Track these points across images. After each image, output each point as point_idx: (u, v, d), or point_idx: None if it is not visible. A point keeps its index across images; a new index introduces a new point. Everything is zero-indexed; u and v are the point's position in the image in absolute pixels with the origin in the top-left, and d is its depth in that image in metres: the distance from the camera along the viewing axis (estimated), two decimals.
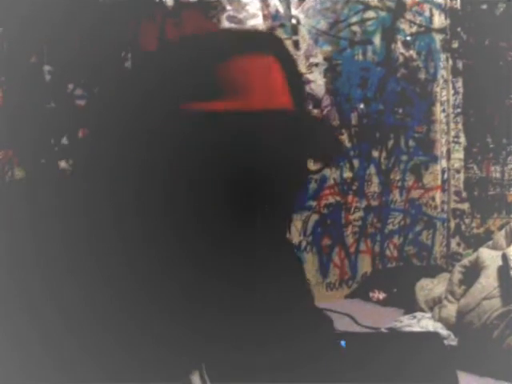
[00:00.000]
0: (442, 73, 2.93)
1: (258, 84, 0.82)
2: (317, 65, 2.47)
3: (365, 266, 2.66)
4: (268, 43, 0.89)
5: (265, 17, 2.32)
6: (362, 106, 2.63)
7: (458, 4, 2.95)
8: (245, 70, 0.82)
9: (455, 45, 2.95)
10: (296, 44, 2.41)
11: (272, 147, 0.81)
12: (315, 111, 2.46)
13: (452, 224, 2.97)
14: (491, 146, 3.07)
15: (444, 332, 1.67)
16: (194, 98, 0.79)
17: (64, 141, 1.89)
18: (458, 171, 2.97)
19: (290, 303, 0.94)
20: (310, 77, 2.45)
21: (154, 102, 0.81)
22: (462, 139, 2.99)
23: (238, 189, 0.81)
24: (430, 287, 2.08)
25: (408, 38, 2.79)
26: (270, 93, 0.83)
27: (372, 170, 2.68)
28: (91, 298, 0.77)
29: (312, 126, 0.86)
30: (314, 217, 2.49)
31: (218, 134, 0.78)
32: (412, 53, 2.81)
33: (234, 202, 0.82)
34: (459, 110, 2.97)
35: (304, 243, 2.46)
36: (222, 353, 0.82)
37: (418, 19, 2.84)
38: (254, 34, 0.96)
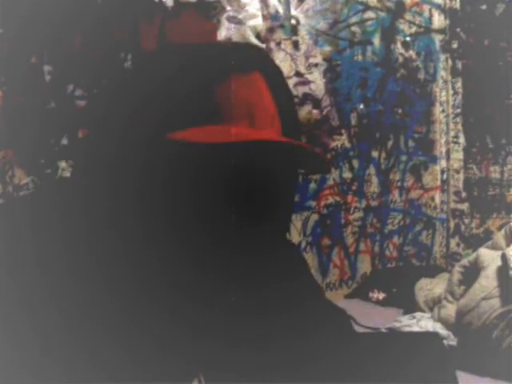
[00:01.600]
0: (442, 73, 2.93)
1: (242, 111, 0.79)
2: (316, 65, 2.48)
3: (364, 266, 2.66)
4: (255, 60, 0.85)
5: (264, 17, 2.32)
6: (361, 106, 2.64)
7: (457, 4, 2.96)
8: (229, 95, 0.79)
9: (455, 45, 2.95)
10: (296, 44, 2.42)
11: (256, 176, 0.80)
12: (315, 112, 2.46)
13: (451, 224, 2.98)
14: (490, 146, 3.07)
15: (443, 332, 1.67)
16: (178, 126, 0.77)
17: (64, 141, 1.89)
18: (457, 171, 2.98)
19: (301, 299, 0.94)
20: (309, 77, 2.45)
21: (138, 128, 0.80)
22: (462, 139, 2.99)
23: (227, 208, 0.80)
24: (429, 287, 2.08)
25: (407, 39, 2.80)
26: (254, 121, 0.80)
27: (371, 170, 2.69)
28: (91, 299, 0.77)
29: (299, 153, 0.84)
30: (314, 217, 2.49)
31: (198, 164, 0.77)
32: (411, 53, 2.81)
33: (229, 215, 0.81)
34: (459, 111, 2.97)
35: (304, 243, 2.46)
36: (228, 354, 0.82)
37: (418, 20, 2.84)
38: (240, 50, 0.92)
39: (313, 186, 2.48)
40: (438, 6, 2.91)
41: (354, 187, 2.62)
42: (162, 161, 0.78)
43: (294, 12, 2.41)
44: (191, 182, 0.79)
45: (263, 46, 2.28)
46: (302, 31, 2.44)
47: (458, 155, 2.98)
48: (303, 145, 0.85)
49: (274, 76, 0.86)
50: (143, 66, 0.89)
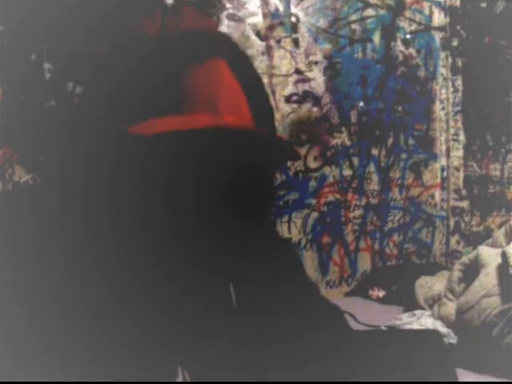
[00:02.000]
0: (442, 71, 2.93)
1: (204, 99, 0.78)
2: (316, 63, 2.47)
3: (364, 263, 2.66)
4: (218, 47, 0.84)
5: (264, 15, 2.32)
6: (361, 103, 2.63)
7: (457, 2, 2.95)
8: (189, 84, 0.78)
9: (455, 43, 2.95)
10: (296, 42, 2.41)
11: (229, 160, 0.79)
12: (315, 109, 2.46)
13: (451, 222, 2.98)
14: (491, 143, 3.07)
15: (443, 330, 1.67)
16: (142, 117, 0.76)
17: (63, 139, 1.89)
18: (457, 169, 2.97)
19: (298, 297, 0.94)
20: (309, 75, 2.45)
21: (102, 122, 0.79)
22: (462, 137, 2.99)
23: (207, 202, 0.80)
24: (429, 285, 2.08)
25: (408, 36, 2.79)
26: (217, 109, 0.79)
27: (372, 167, 2.69)
28: (91, 298, 0.77)
29: (267, 140, 0.83)
30: (314, 215, 2.49)
31: (165, 154, 0.76)
32: (411, 51, 2.81)
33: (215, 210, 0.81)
34: (459, 108, 2.97)
35: (304, 241, 2.46)
36: (228, 353, 0.82)
37: (418, 17, 2.84)
38: (201, 38, 0.90)
39: (313, 183, 2.47)
40: (438, 4, 2.91)
41: (354, 185, 2.62)
42: (126, 155, 0.78)
43: (294, 10, 2.41)
44: (159, 173, 0.78)
45: (262, 45, 2.28)
46: (302, 29, 2.43)
47: (458, 153, 2.98)
48: (266, 133, 0.84)
49: (240, 62, 0.85)
50: (113, 59, 0.89)
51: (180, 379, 0.81)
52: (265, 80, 2.23)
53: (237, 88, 0.82)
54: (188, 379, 0.80)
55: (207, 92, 0.80)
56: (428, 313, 1.88)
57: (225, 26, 2.20)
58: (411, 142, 2.83)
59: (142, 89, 0.80)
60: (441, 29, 2.92)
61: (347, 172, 2.60)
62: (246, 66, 0.87)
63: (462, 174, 2.99)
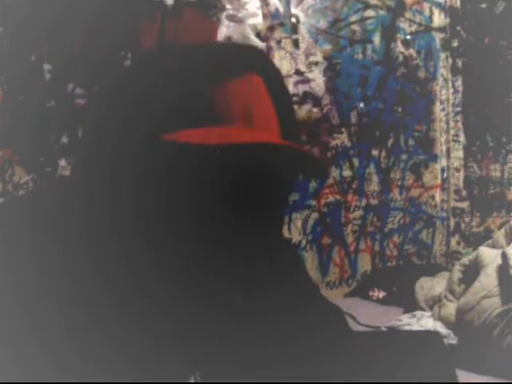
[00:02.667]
0: (442, 71, 2.93)
1: (240, 113, 0.78)
2: (316, 63, 2.48)
3: (364, 264, 2.66)
4: (253, 61, 0.84)
5: (264, 15, 2.32)
6: (361, 104, 2.64)
7: (457, 3, 2.95)
8: (226, 97, 0.78)
9: (455, 43, 2.95)
10: (296, 43, 2.42)
11: (256, 178, 0.79)
12: (315, 110, 2.46)
13: (452, 223, 2.98)
14: (491, 144, 3.07)
15: (444, 331, 1.67)
16: (175, 127, 0.76)
17: (64, 140, 1.89)
18: (457, 170, 2.98)
19: (298, 298, 0.94)
20: (309, 75, 2.45)
21: (134, 129, 0.79)
22: (462, 138, 2.99)
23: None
24: (429, 286, 2.08)
25: (408, 37, 2.79)
26: (252, 123, 0.79)
27: (372, 168, 2.69)
28: (91, 298, 0.77)
29: (299, 157, 0.83)
30: (314, 215, 2.49)
31: (194, 165, 0.76)
32: (412, 51, 2.81)
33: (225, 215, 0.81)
34: (459, 109, 2.97)
35: (304, 242, 2.46)
36: (227, 353, 0.82)
37: (418, 18, 2.84)
38: (237, 50, 0.91)
39: (313, 184, 2.47)
40: (439, 5, 2.91)
41: (354, 186, 2.62)
42: (158, 162, 0.78)
43: (294, 10, 2.41)
44: (188, 183, 0.78)
45: (262, 46, 2.28)
46: (303, 29, 2.43)
47: (458, 154, 2.98)
48: (303, 149, 0.84)
49: (273, 77, 0.86)
50: (140, 67, 0.89)
51: (192, 380, 0.81)
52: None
53: (270, 105, 0.82)
54: (199, 380, 0.80)
55: (242, 105, 0.80)
56: (428, 314, 1.88)
57: (225, 27, 2.20)
58: (411, 142, 2.83)
59: (175, 98, 0.79)
60: (441, 30, 2.92)
61: (347, 173, 2.60)
62: (279, 83, 0.88)
63: (462, 175, 2.99)
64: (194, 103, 0.78)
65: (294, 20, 2.41)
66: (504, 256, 1.67)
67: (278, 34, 2.36)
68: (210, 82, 0.80)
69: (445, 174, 2.95)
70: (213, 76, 0.80)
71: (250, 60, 0.85)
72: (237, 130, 0.77)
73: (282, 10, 2.37)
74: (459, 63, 2.96)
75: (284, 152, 0.80)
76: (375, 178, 2.70)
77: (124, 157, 0.80)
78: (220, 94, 0.79)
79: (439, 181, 2.94)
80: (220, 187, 0.79)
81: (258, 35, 2.30)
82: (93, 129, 0.87)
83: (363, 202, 2.66)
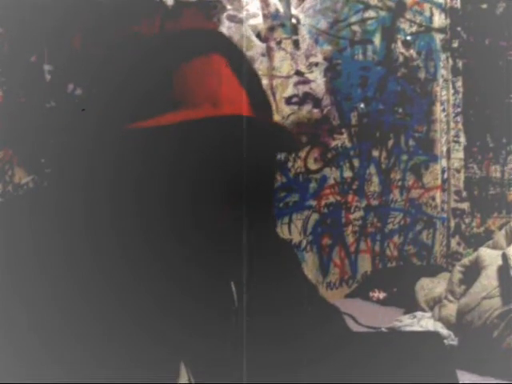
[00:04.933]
0: (442, 72, 2.93)
1: (205, 95, 0.78)
2: (317, 64, 2.47)
3: (365, 265, 2.66)
4: (213, 42, 0.85)
5: (265, 16, 2.32)
6: (362, 105, 2.63)
7: (458, 3, 2.95)
8: (191, 78, 0.78)
9: (455, 44, 2.95)
10: (296, 43, 2.41)
11: (230, 152, 0.79)
12: (315, 111, 2.46)
13: (452, 223, 2.97)
14: (491, 145, 3.07)
15: (444, 331, 1.67)
16: (142, 115, 0.77)
17: (64, 140, 1.89)
18: (458, 171, 2.97)
19: (297, 298, 0.94)
20: (310, 76, 2.45)
21: (103, 120, 0.79)
22: (462, 139, 2.99)
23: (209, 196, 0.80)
24: (430, 287, 2.08)
25: (408, 38, 2.79)
26: (218, 103, 0.79)
27: (372, 169, 2.69)
28: (91, 298, 0.77)
29: (267, 127, 0.83)
30: (315, 216, 2.49)
31: (169, 147, 0.76)
32: (412, 52, 2.81)
33: (216, 207, 0.81)
34: (459, 110, 2.97)
35: (304, 242, 2.46)
36: (227, 353, 0.82)
37: (418, 19, 2.84)
38: (195, 35, 0.91)
39: (313, 185, 2.47)
40: (439, 5, 2.91)
41: (354, 186, 2.62)
42: (130, 152, 0.78)
43: (294, 11, 2.41)
44: (164, 168, 0.79)
45: (263, 46, 2.28)
46: (303, 30, 2.43)
47: (458, 154, 2.98)
48: (271, 121, 0.85)
49: (234, 55, 0.86)
50: (110, 59, 0.90)
51: (185, 380, 0.81)
52: (265, 81, 2.24)
53: (235, 82, 0.82)
54: (192, 381, 0.80)
55: (207, 87, 0.80)
56: (428, 314, 1.88)
57: (225, 28, 2.20)
58: (412, 143, 2.83)
59: (143, 87, 0.80)
60: (441, 30, 2.92)
61: (348, 174, 2.60)
62: (241, 61, 0.88)
63: (462, 176, 2.99)
64: (158, 91, 0.79)
65: (294, 21, 2.41)
66: (504, 257, 1.67)
67: (279, 34, 2.36)
68: (173, 67, 0.80)
69: (445, 175, 2.95)
70: (176, 60, 0.81)
71: (209, 41, 0.86)
72: (203, 110, 0.78)
73: (282, 10, 2.37)
74: (459, 64, 2.96)
75: (255, 125, 0.80)
76: (375, 179, 2.69)
77: (97, 151, 0.80)
78: (183, 78, 0.79)
79: (439, 182, 2.94)
80: (195, 169, 0.79)
81: (258, 36, 2.30)
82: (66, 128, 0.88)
83: (363, 203, 2.65)
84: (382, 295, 2.37)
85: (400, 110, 2.78)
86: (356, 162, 2.63)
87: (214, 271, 0.82)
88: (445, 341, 1.52)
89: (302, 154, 2.41)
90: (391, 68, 2.73)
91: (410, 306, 2.05)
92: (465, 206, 3.00)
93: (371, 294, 2.40)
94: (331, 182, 2.54)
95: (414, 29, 2.82)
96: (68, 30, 1.88)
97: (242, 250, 0.83)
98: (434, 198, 2.93)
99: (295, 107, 2.40)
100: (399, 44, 2.76)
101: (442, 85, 2.93)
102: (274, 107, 2.16)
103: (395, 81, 2.75)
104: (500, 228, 2.65)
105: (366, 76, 2.64)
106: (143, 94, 0.79)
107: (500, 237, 1.94)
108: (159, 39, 0.87)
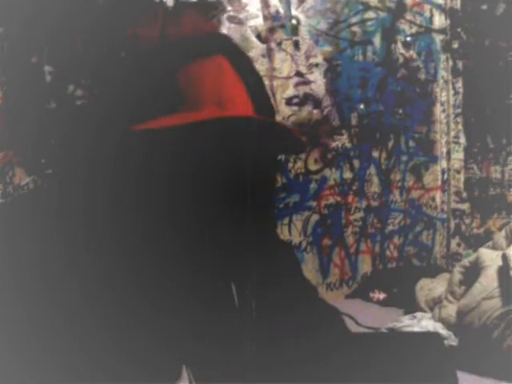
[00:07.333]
0: (442, 73, 2.93)
1: (209, 96, 0.78)
2: (317, 65, 2.48)
3: (365, 266, 2.66)
4: (215, 44, 0.85)
5: (265, 17, 2.32)
6: (362, 106, 2.64)
7: (458, 4, 2.96)
8: (195, 79, 0.78)
9: (455, 45, 2.95)
10: (296, 44, 2.42)
11: (234, 153, 0.79)
12: (315, 112, 2.46)
13: (452, 224, 2.98)
14: (491, 146, 3.07)
15: (444, 332, 1.67)
16: (147, 116, 0.77)
17: (65, 141, 1.89)
18: (458, 171, 2.98)
19: (296, 299, 0.94)
20: (310, 77, 2.45)
21: (106, 122, 0.79)
22: (462, 139, 2.99)
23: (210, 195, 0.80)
24: (430, 287, 2.08)
25: (408, 39, 2.79)
26: (222, 104, 0.79)
27: (372, 170, 2.69)
28: (91, 298, 0.77)
29: (272, 128, 0.83)
30: (315, 217, 2.49)
31: (171, 148, 0.76)
32: (412, 53, 2.81)
33: (216, 207, 0.81)
34: (459, 111, 2.97)
35: (304, 243, 2.46)
36: (227, 353, 0.82)
37: (418, 20, 2.84)
38: (198, 37, 0.91)
39: (313, 186, 2.47)
40: (439, 6, 2.91)
41: (354, 187, 2.62)
42: (133, 154, 0.78)
43: (294, 12, 2.41)
44: (166, 169, 0.79)
45: (263, 47, 2.28)
46: (303, 31, 2.44)
47: (458, 155, 2.98)
48: (276, 122, 0.85)
49: (238, 57, 0.86)
50: (111, 61, 0.90)
51: (186, 381, 0.81)
52: (265, 82, 2.23)
53: (239, 83, 0.82)
54: (192, 381, 0.80)
55: (211, 88, 0.80)
56: (429, 315, 1.88)
57: (225, 28, 2.20)
58: (412, 144, 2.84)
59: (146, 89, 0.80)
60: (441, 31, 2.92)
61: (348, 174, 2.60)
62: (245, 61, 0.88)
63: (462, 177, 2.99)
64: (162, 93, 0.79)
65: (294, 22, 2.41)
66: (504, 257, 1.67)
67: (279, 35, 2.36)
68: (174, 71, 0.80)
69: (445, 176, 2.95)
70: (180, 62, 0.81)
71: (213, 43, 0.86)
72: (209, 111, 0.78)
73: (282, 11, 2.37)
74: (460, 65, 2.96)
75: (259, 127, 0.80)
76: (376, 180, 2.70)
77: (99, 153, 0.80)
78: (187, 80, 0.79)
79: (439, 182, 2.94)
80: (199, 170, 0.79)
81: (258, 37, 2.30)
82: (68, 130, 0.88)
83: (364, 204, 2.65)
84: (382, 296, 2.37)
85: (400, 111, 2.78)
86: (356, 163, 2.63)
87: (215, 272, 0.82)
88: (445, 341, 1.52)
89: (303, 154, 2.41)
90: (391, 69, 2.74)
91: (410, 306, 2.05)
92: (465, 206, 3.00)
93: (371, 294, 2.40)
94: (331, 182, 2.54)
95: (414, 30, 2.83)
96: (69, 30, 1.88)
97: (243, 250, 0.84)
98: (434, 199, 2.93)
99: (295, 108, 2.40)
100: (399, 45, 2.76)
101: (442, 86, 2.93)
102: (276, 111, 2.16)
103: (395, 82, 2.75)
104: (500, 229, 2.65)
105: (366, 77, 2.64)
106: (146, 96, 0.79)
107: (500, 237, 1.94)
108: (163, 41, 0.88)
